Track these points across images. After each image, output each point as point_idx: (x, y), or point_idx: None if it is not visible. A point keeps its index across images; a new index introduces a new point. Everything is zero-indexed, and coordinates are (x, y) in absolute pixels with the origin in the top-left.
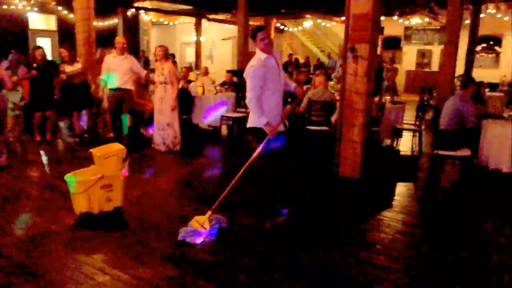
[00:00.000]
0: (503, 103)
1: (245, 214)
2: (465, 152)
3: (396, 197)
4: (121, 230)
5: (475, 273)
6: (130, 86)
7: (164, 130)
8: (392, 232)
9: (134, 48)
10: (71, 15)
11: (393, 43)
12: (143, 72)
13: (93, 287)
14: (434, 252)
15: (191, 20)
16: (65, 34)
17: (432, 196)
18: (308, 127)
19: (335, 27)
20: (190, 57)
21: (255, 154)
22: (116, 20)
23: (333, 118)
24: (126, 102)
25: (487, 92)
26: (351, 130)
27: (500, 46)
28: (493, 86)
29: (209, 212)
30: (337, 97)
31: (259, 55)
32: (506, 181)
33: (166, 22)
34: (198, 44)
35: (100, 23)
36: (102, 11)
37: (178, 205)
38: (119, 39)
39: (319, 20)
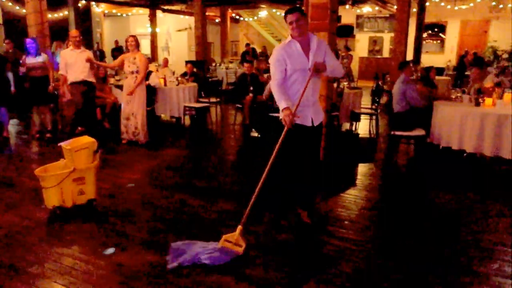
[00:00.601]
0: (449, 86)
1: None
2: (419, 132)
3: (358, 176)
4: (96, 221)
5: (433, 240)
6: (92, 78)
7: (128, 119)
8: (358, 208)
9: (87, 40)
10: (17, 7)
11: (346, 31)
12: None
13: (77, 277)
14: (397, 223)
15: (145, 11)
16: (11, 27)
17: (391, 173)
18: (271, 114)
19: None
20: (145, 49)
21: (274, 153)
22: (66, 12)
23: None
24: (92, 94)
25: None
26: None
27: (444, 33)
28: (439, 71)
29: (239, 227)
30: None
31: (287, 38)
32: (456, 157)
33: (119, 14)
34: (153, 36)
35: (50, 15)
36: (51, 2)
37: (150, 194)
38: (73, 33)
39: (274, 10)
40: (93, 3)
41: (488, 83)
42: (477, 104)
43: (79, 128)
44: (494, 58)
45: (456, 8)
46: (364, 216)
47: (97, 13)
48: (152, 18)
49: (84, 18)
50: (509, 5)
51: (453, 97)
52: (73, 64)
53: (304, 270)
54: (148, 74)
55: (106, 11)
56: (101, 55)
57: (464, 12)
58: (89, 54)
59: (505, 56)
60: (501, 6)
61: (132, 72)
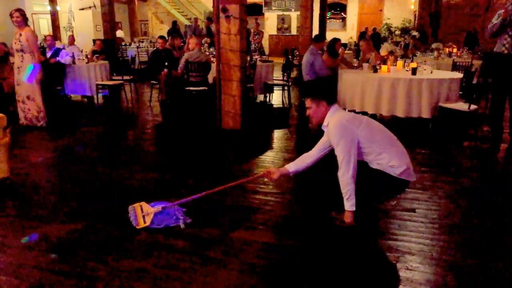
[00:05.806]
0: (352, 58)
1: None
2: None
3: (274, 141)
4: (13, 199)
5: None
6: None
7: (24, 103)
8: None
9: None
10: None
11: (255, 10)
12: None
13: (2, 251)
14: (310, 176)
15: None
16: None
17: (304, 136)
18: (187, 88)
19: None
20: (44, 29)
21: None
22: None
23: (210, 78)
24: None
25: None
26: (229, 85)
27: (345, 12)
28: (343, 46)
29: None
30: (212, 59)
31: None
32: None
33: None
34: (54, 15)
35: None
36: None
37: (68, 169)
38: None
39: None
40: None
41: (383, 51)
42: (375, 70)
43: None
44: (389, 34)
45: None
46: None
47: None
48: None
49: None
50: None
51: (355, 65)
52: None
53: (234, 220)
54: (58, 51)
55: None
56: None
57: None
58: None
59: (398, 32)
60: None
61: (18, 50)
